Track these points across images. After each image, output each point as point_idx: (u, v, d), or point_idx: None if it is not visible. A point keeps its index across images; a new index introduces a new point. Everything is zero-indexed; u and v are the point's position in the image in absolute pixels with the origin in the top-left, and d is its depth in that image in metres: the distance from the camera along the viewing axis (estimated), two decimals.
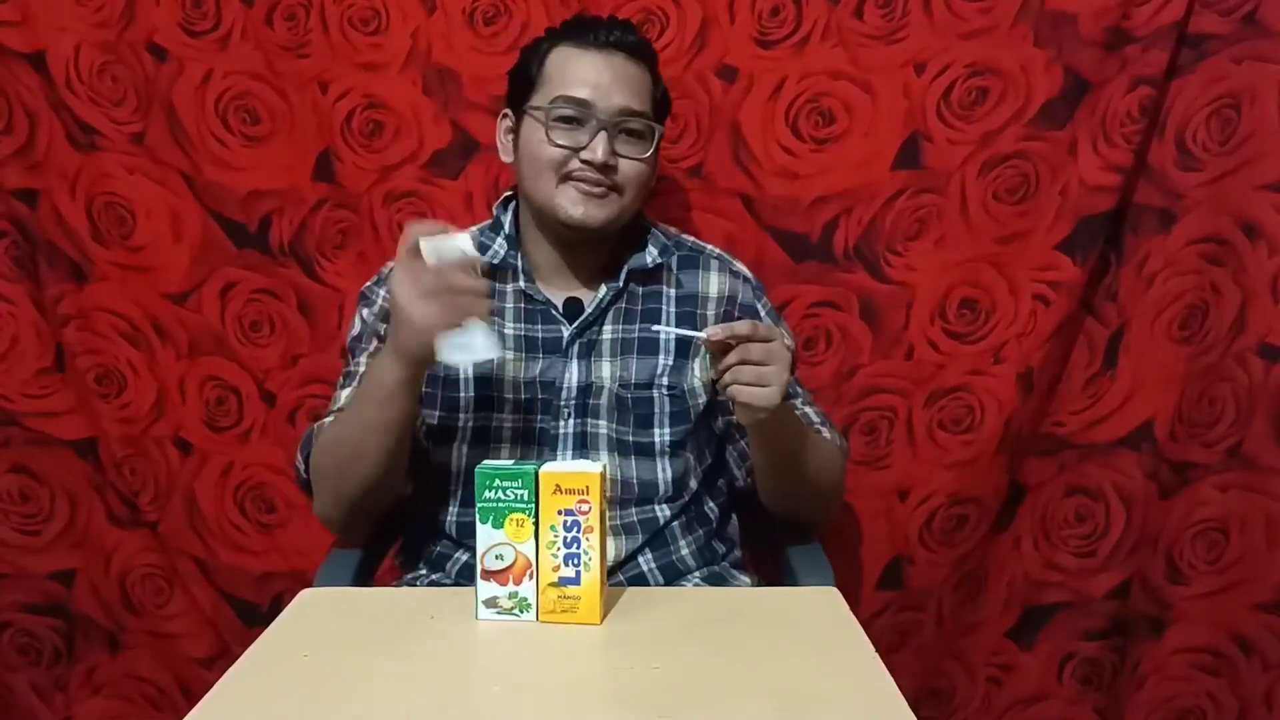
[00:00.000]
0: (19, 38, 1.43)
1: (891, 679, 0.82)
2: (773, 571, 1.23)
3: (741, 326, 1.00)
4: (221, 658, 1.60)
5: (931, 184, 1.44)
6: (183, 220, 1.49)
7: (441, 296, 0.96)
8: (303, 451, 1.17)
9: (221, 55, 1.44)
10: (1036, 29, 1.39)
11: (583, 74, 1.13)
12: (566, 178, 1.13)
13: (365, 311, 1.22)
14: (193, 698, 0.86)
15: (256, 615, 1.59)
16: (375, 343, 1.19)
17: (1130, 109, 1.38)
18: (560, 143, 1.12)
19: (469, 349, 0.98)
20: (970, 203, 1.45)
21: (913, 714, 0.76)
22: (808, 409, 1.22)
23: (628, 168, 1.14)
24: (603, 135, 1.11)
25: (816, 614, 0.98)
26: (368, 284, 1.24)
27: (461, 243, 0.97)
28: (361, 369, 1.17)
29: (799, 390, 1.23)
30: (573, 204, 1.13)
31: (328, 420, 1.16)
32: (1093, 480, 1.53)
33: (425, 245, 0.97)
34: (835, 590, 1.03)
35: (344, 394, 1.18)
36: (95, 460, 1.57)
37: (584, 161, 1.12)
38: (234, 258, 1.50)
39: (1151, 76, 1.37)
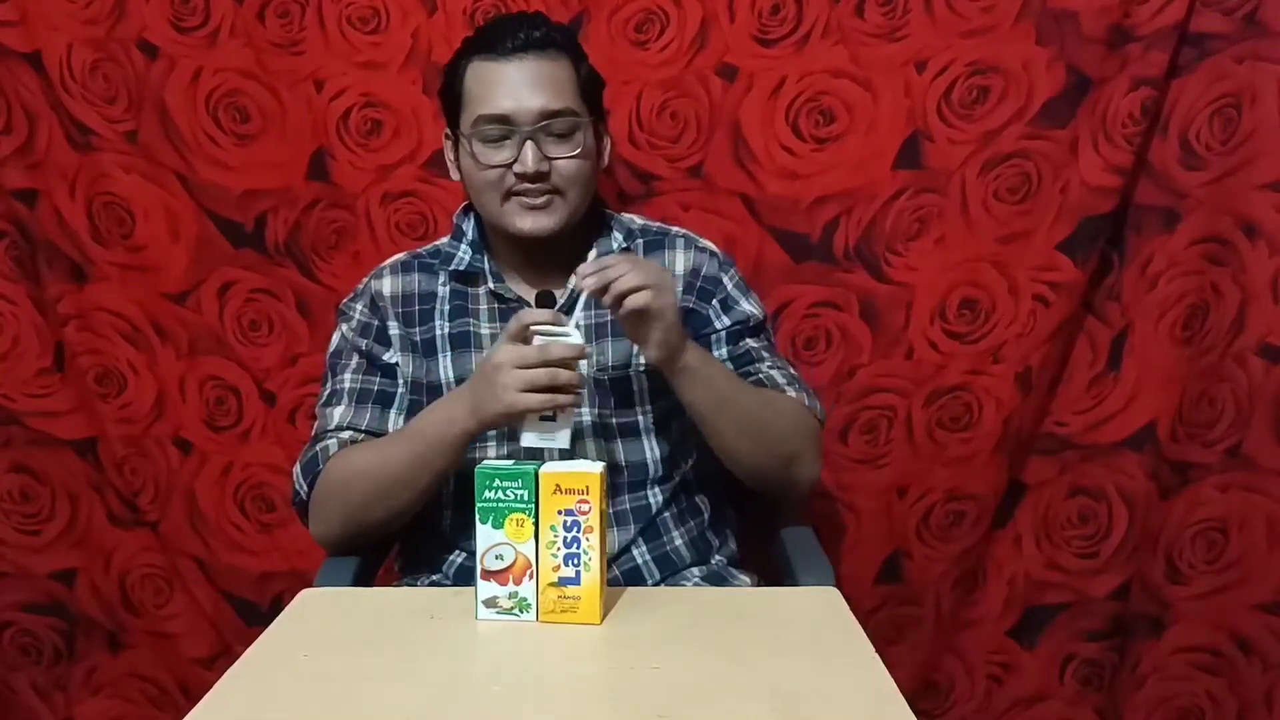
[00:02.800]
0: (18, 37, 1.43)
1: (891, 679, 0.82)
2: (771, 568, 1.23)
3: (609, 260, 1.03)
4: (222, 657, 1.60)
5: (932, 183, 1.44)
6: (180, 220, 1.49)
7: (541, 387, 1.00)
8: (305, 474, 1.16)
9: (210, 52, 1.44)
10: (1038, 27, 1.39)
11: (496, 88, 1.12)
12: (508, 194, 1.14)
13: (345, 328, 1.22)
14: (193, 697, 0.86)
15: (257, 615, 1.59)
16: (355, 358, 1.20)
17: (1132, 109, 1.38)
18: (491, 162, 1.13)
19: (549, 438, 1.04)
20: (971, 202, 1.44)
21: (913, 714, 0.76)
22: (773, 371, 1.20)
23: (564, 167, 1.14)
24: (529, 145, 1.11)
25: (816, 614, 0.98)
26: (344, 301, 1.25)
27: (573, 337, 1.02)
28: (348, 385, 1.19)
29: (764, 355, 1.22)
30: (520, 219, 1.14)
31: (331, 443, 1.15)
32: (1095, 481, 1.53)
33: (538, 339, 1.02)
34: (835, 590, 1.03)
35: (336, 412, 1.18)
36: (95, 460, 1.57)
37: (518, 175, 1.12)
38: (232, 257, 1.50)
39: (1153, 76, 1.37)
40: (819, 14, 1.40)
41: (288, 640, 0.93)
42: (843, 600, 1.00)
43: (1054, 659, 1.59)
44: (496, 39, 1.14)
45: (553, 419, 1.03)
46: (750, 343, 1.22)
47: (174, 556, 1.59)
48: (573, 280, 1.15)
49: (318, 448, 1.16)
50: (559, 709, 0.81)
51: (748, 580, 1.21)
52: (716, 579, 1.20)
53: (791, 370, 1.23)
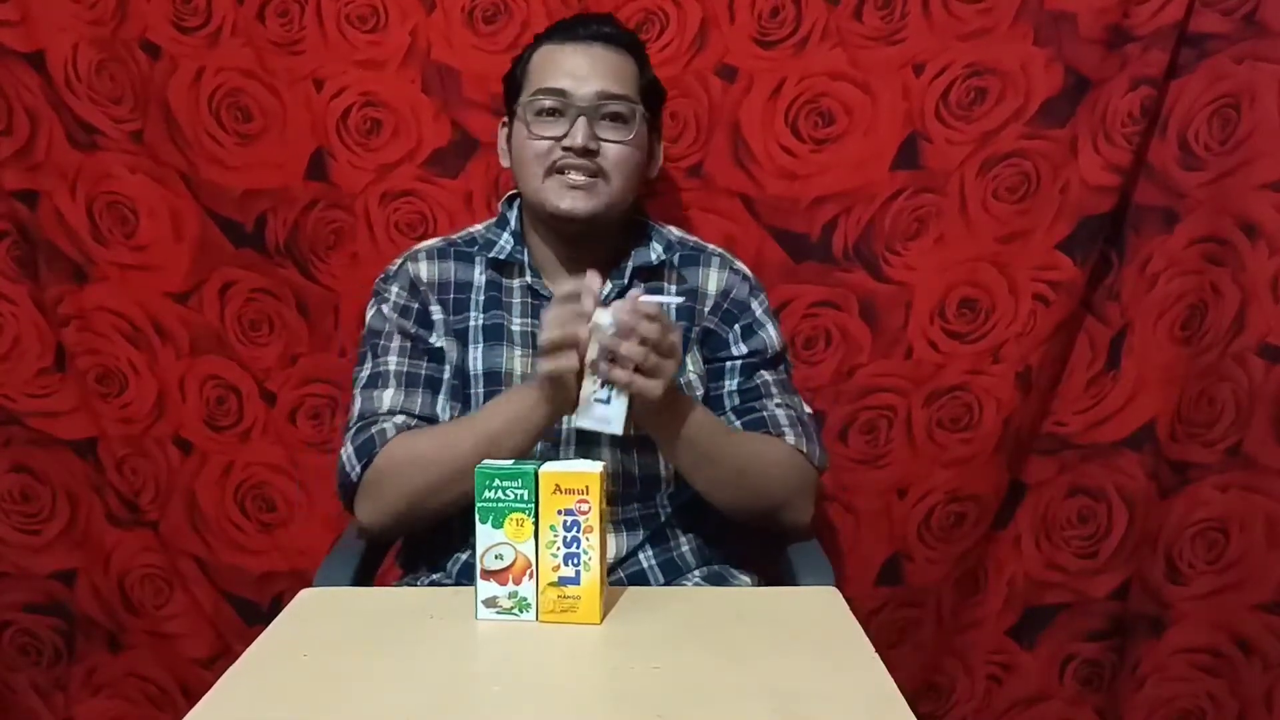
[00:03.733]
0: (18, 37, 1.43)
1: (891, 679, 0.82)
2: (773, 571, 1.23)
3: (649, 330, 0.98)
4: (222, 657, 1.60)
5: (931, 184, 1.44)
6: (182, 219, 1.49)
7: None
8: (360, 456, 1.12)
9: (212, 52, 1.44)
10: (1036, 28, 1.39)
11: (558, 66, 1.15)
12: (552, 169, 1.14)
13: (384, 309, 1.20)
14: (193, 697, 0.86)
15: (257, 614, 1.58)
16: (398, 339, 1.18)
17: (1131, 108, 1.38)
18: (542, 134, 1.13)
19: (605, 420, 1.01)
20: (969, 202, 1.44)
21: (913, 715, 0.76)
22: (778, 411, 1.19)
23: (612, 151, 1.14)
24: (582, 121, 1.12)
25: (816, 614, 0.98)
26: (377, 281, 1.24)
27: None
28: (393, 367, 1.17)
29: (774, 390, 1.21)
30: (559, 196, 1.13)
31: (387, 426, 1.13)
32: (1095, 481, 1.53)
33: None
34: (835, 590, 1.04)
35: (386, 395, 1.15)
36: (95, 460, 1.57)
37: (565, 149, 1.12)
38: (232, 257, 1.50)
39: (1152, 76, 1.37)
40: (818, 17, 1.40)
41: (288, 640, 0.93)
42: (843, 600, 1.00)
43: (1054, 659, 1.59)
44: (569, 25, 1.18)
45: (607, 402, 1.01)
46: (764, 375, 1.21)
47: (174, 556, 1.59)
48: (607, 286, 1.16)
49: (374, 430, 1.13)
50: (559, 709, 0.81)
51: (748, 580, 1.21)
52: (717, 579, 1.20)
53: (801, 410, 1.22)
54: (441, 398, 1.17)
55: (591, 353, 1.00)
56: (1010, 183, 1.44)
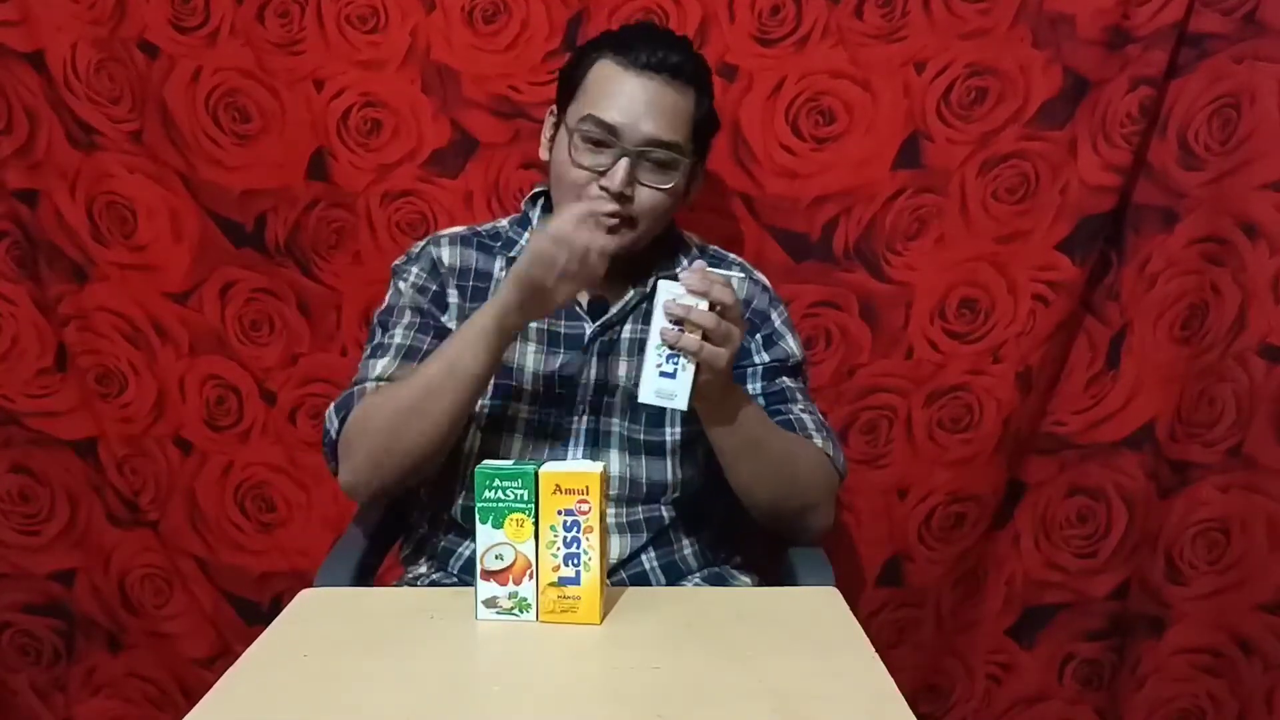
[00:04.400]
0: (18, 37, 1.43)
1: (891, 680, 0.82)
2: (773, 571, 1.23)
3: (723, 294, 0.97)
4: (222, 657, 1.60)
5: (931, 183, 1.44)
6: (182, 219, 1.49)
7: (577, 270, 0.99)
8: (338, 411, 1.12)
9: (210, 52, 1.43)
10: (1035, 30, 1.39)
11: (616, 97, 1.10)
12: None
13: (402, 285, 1.19)
14: (193, 698, 0.86)
15: (257, 614, 1.59)
16: (408, 315, 1.17)
17: (1130, 108, 1.38)
18: (583, 163, 1.11)
19: (670, 395, 0.99)
20: (970, 202, 1.44)
21: (913, 715, 0.76)
22: (805, 416, 1.19)
23: (646, 197, 1.12)
24: (624, 163, 1.09)
25: (816, 614, 0.98)
26: (397, 262, 1.23)
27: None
28: (398, 340, 1.15)
29: (799, 396, 1.21)
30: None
31: (369, 384, 1.12)
32: (1094, 481, 1.53)
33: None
34: (835, 590, 1.03)
35: (380, 363, 1.14)
36: (95, 460, 1.57)
37: (602, 187, 1.10)
38: (233, 257, 1.50)
39: (1152, 76, 1.37)
40: (818, 15, 1.40)
41: (288, 640, 0.93)
42: (843, 600, 1.00)
43: (1053, 659, 1.59)
44: (634, 46, 1.11)
45: (673, 376, 0.99)
46: (786, 381, 1.21)
47: (174, 556, 1.59)
48: (630, 293, 1.17)
49: (354, 389, 1.13)
50: (559, 709, 0.80)
51: (748, 581, 1.21)
52: (718, 580, 1.20)
53: (821, 417, 1.22)
54: None
55: (655, 326, 0.98)
56: (1010, 183, 1.44)
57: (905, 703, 0.78)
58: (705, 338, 0.97)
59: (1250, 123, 1.40)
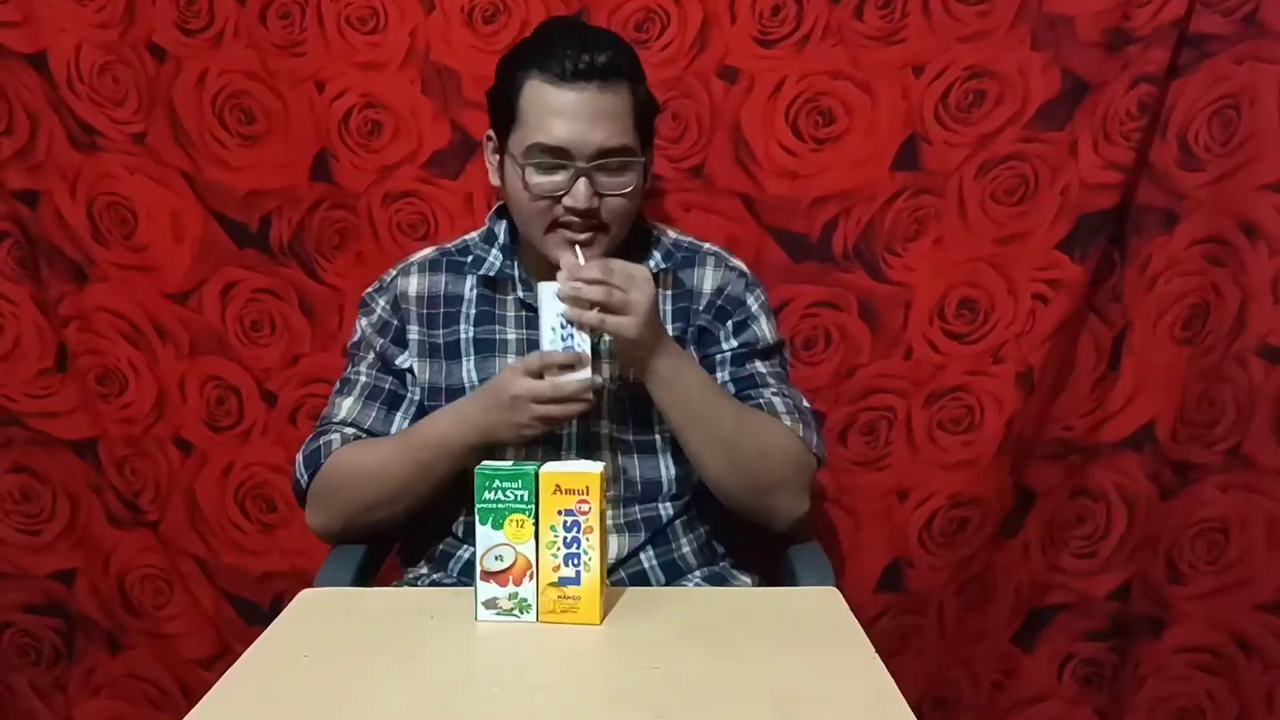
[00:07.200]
0: (20, 38, 1.43)
1: (891, 679, 0.82)
2: (773, 571, 1.23)
3: (589, 269, 1.04)
4: (222, 658, 1.60)
5: (930, 185, 1.44)
6: (184, 220, 1.49)
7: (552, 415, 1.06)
8: (308, 465, 1.17)
9: (215, 54, 1.44)
10: (1034, 32, 1.39)
11: (556, 117, 1.08)
12: (554, 225, 1.12)
13: (364, 322, 1.23)
14: (193, 698, 0.86)
15: (257, 615, 1.58)
16: (372, 354, 1.21)
17: (1130, 108, 1.38)
18: (541, 192, 1.10)
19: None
20: (968, 204, 1.44)
21: (913, 715, 0.76)
22: (775, 399, 1.17)
23: (613, 204, 1.12)
24: (582, 183, 1.09)
25: (816, 614, 0.98)
26: (368, 290, 1.25)
27: (583, 371, 1.06)
28: (362, 379, 1.21)
29: (770, 380, 1.20)
30: (562, 249, 1.11)
31: (335, 437, 1.17)
32: (1095, 481, 1.53)
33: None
34: (835, 590, 1.03)
35: (345, 403, 1.20)
36: (95, 460, 1.57)
37: (567, 209, 1.10)
38: (235, 257, 1.50)
39: (1152, 76, 1.37)
40: (819, 15, 1.40)
41: (288, 640, 0.93)
42: (843, 600, 1.00)
43: (1053, 659, 1.59)
44: (558, 56, 1.08)
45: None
46: (757, 366, 1.20)
47: (174, 556, 1.59)
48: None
49: (321, 441, 1.17)
50: (559, 709, 0.81)
51: (748, 581, 1.21)
52: (717, 579, 1.20)
53: (799, 401, 1.20)
54: (399, 415, 1.20)
55: (545, 326, 1.05)
56: (1008, 185, 1.44)
57: (905, 703, 0.78)
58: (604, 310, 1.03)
59: (1250, 124, 1.40)
